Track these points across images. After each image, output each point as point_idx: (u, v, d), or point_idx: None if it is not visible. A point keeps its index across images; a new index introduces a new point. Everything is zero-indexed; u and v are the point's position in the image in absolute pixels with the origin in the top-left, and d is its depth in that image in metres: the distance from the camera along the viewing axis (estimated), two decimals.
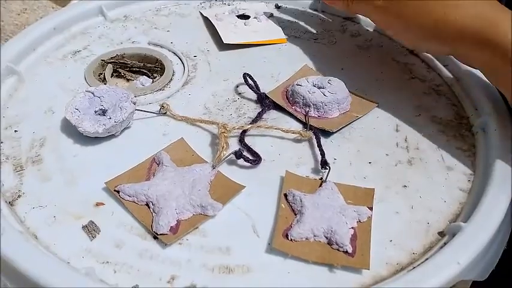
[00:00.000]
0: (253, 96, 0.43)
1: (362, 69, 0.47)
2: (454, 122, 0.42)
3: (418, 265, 0.31)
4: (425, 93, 0.45)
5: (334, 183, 0.35)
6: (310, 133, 0.38)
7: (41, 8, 0.84)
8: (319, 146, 0.37)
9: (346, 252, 0.31)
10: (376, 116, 0.42)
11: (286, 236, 0.32)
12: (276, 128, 0.38)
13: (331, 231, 0.32)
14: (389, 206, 0.35)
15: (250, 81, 0.42)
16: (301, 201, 0.33)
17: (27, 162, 0.36)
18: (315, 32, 0.51)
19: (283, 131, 0.38)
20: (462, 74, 0.45)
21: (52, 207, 0.33)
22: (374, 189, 0.35)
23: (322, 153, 0.37)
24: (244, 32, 0.50)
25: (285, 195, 0.35)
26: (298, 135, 0.38)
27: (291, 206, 0.34)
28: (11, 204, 0.33)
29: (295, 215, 0.33)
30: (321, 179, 0.36)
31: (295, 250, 0.31)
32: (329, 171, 0.36)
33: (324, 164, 0.36)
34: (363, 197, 0.35)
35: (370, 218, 0.33)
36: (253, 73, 0.43)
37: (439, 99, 0.44)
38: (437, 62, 0.47)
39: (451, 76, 0.46)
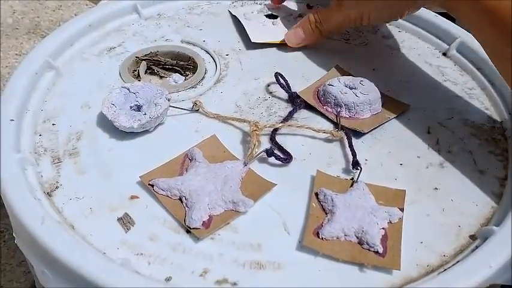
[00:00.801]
0: (284, 95, 0.43)
1: (394, 71, 0.47)
2: (486, 125, 0.42)
3: (449, 267, 0.31)
4: (458, 96, 0.44)
5: (365, 183, 0.35)
6: (341, 133, 0.38)
7: (75, 5, 0.86)
8: (351, 146, 0.38)
9: (377, 252, 0.31)
10: (408, 118, 0.42)
11: (317, 235, 0.32)
12: (307, 127, 0.39)
13: (362, 231, 0.32)
14: (421, 208, 0.35)
15: (281, 81, 0.43)
16: (332, 200, 0.34)
17: (65, 155, 0.37)
18: (346, 32, 0.52)
19: (315, 130, 0.39)
20: (496, 77, 0.44)
21: (88, 199, 0.34)
22: (405, 190, 0.35)
23: (354, 154, 0.37)
24: (272, 31, 0.50)
25: (316, 194, 0.35)
26: (329, 135, 0.39)
27: (322, 206, 0.34)
28: (49, 195, 0.34)
29: (326, 214, 0.34)
30: (352, 179, 0.36)
31: (325, 248, 0.31)
32: (360, 171, 0.36)
33: (356, 164, 0.36)
34: (394, 198, 0.35)
35: (401, 219, 0.33)
36: (285, 72, 0.43)
37: (471, 103, 0.44)
38: (470, 65, 0.47)
39: (485, 80, 0.45)
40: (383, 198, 0.34)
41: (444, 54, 0.49)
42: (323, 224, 0.33)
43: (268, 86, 0.44)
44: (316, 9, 0.54)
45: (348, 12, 0.44)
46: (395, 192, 0.35)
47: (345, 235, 0.32)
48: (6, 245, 0.60)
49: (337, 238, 0.32)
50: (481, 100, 0.44)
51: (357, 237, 0.32)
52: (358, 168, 0.36)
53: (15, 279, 0.57)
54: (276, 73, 0.43)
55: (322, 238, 0.32)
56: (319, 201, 0.34)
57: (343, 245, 0.32)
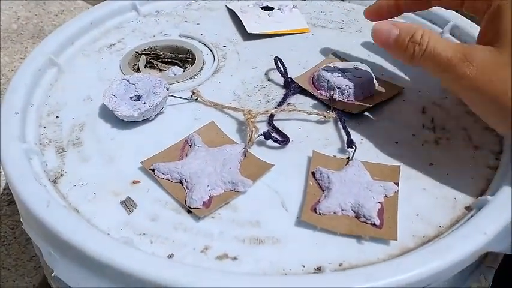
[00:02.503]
0: (281, 82, 0.44)
1: (389, 56, 0.47)
2: None
3: (445, 237, 0.31)
4: None
5: (361, 161, 0.36)
6: (333, 113, 0.39)
7: (77, 9, 0.89)
8: (344, 127, 0.38)
9: (374, 224, 0.32)
10: (403, 99, 0.43)
11: (315, 210, 0.33)
12: (299, 110, 0.39)
13: (359, 205, 0.33)
14: (416, 183, 0.35)
15: (279, 65, 0.44)
16: (328, 177, 0.34)
17: (68, 145, 0.38)
18: (341, 21, 0.52)
19: (307, 112, 0.39)
20: None
21: (92, 185, 0.35)
22: (400, 166, 0.36)
23: (348, 134, 0.38)
24: (267, 22, 0.52)
25: (313, 173, 0.36)
26: (321, 116, 0.39)
27: (319, 183, 0.35)
28: (54, 182, 0.35)
29: (323, 191, 0.34)
30: (348, 158, 0.37)
31: (323, 223, 0.32)
32: (355, 150, 0.37)
33: (350, 143, 0.37)
34: (389, 173, 0.35)
35: (396, 193, 0.34)
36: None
37: None
38: None
39: None
40: (378, 174, 0.35)
41: None
42: (320, 200, 0.33)
43: (266, 74, 0.45)
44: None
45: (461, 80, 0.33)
46: (390, 168, 0.36)
47: (342, 210, 0.33)
48: (17, 241, 0.61)
49: (334, 213, 0.33)
50: None
51: (354, 211, 0.33)
52: (353, 147, 0.37)
53: (27, 274, 0.58)
54: (276, 57, 0.44)
55: (319, 213, 0.33)
56: (316, 180, 0.35)
57: (340, 219, 0.33)
